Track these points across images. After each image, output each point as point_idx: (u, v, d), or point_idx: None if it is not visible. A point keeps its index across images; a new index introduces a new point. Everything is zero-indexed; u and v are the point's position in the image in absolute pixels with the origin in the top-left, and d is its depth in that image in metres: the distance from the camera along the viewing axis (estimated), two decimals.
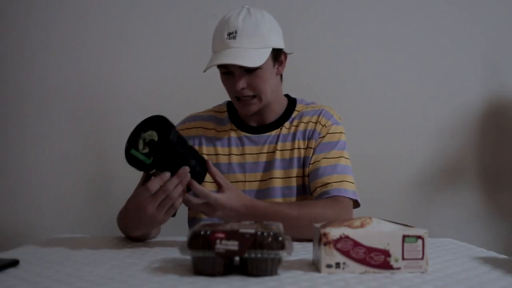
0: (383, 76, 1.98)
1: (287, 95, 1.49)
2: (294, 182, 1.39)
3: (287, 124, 1.43)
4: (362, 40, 1.97)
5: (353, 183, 1.35)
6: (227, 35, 1.29)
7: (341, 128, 1.43)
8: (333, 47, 1.97)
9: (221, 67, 1.33)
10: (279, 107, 1.45)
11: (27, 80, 1.97)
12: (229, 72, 1.33)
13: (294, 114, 1.45)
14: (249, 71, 1.30)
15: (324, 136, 1.40)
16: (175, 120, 1.51)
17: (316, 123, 1.42)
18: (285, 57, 1.39)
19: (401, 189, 1.96)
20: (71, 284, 0.76)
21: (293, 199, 1.38)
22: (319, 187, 1.33)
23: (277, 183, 1.39)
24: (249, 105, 1.35)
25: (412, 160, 1.98)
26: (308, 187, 1.38)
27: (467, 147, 1.99)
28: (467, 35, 1.98)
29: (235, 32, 1.28)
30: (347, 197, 1.31)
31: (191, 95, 1.90)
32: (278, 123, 1.43)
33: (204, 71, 1.30)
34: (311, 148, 1.39)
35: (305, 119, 1.43)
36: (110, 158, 1.95)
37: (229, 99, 1.49)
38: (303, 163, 1.39)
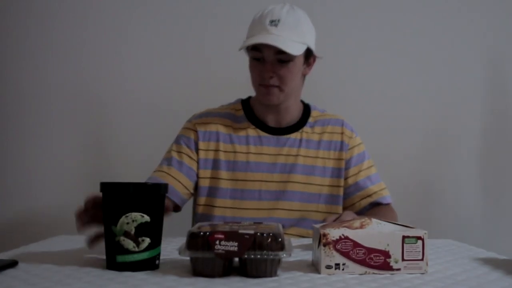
0: (384, 76, 1.97)
1: (301, 100, 1.51)
2: (318, 190, 1.42)
3: (307, 129, 1.45)
4: (362, 40, 1.97)
5: (385, 187, 1.49)
6: (270, 22, 1.31)
7: (360, 138, 1.51)
8: (334, 48, 1.97)
9: (254, 51, 1.34)
10: (297, 109, 1.47)
11: (27, 80, 1.97)
12: (259, 59, 1.34)
13: (311, 119, 1.47)
14: (282, 62, 1.33)
15: (353, 148, 1.46)
16: (182, 117, 1.51)
17: (341, 134, 1.47)
18: (314, 61, 1.43)
19: (401, 190, 1.96)
20: (71, 285, 0.76)
21: (314, 205, 1.42)
22: (364, 198, 1.44)
23: (298, 188, 1.41)
24: (271, 94, 1.36)
25: (412, 161, 1.98)
26: (339, 198, 1.44)
27: (468, 147, 1.99)
28: (469, 35, 1.98)
29: (278, 21, 1.31)
30: (390, 202, 1.48)
31: (191, 95, 1.90)
32: (296, 126, 1.45)
33: (240, 49, 1.33)
34: (342, 159, 1.44)
35: (329, 129, 1.46)
36: (110, 158, 1.95)
37: (241, 97, 1.49)
38: (335, 173, 1.44)
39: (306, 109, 1.49)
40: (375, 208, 1.45)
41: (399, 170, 1.96)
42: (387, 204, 1.47)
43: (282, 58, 1.32)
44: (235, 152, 1.42)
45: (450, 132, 1.98)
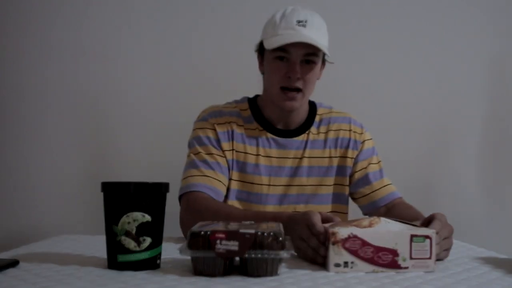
0: (384, 77, 1.97)
1: None
2: (323, 190, 1.39)
3: (313, 129, 1.42)
4: (363, 41, 1.97)
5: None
6: (297, 22, 1.28)
7: (370, 134, 1.47)
8: (334, 48, 1.96)
9: (279, 50, 1.28)
10: (304, 110, 1.43)
11: (26, 80, 1.97)
12: (284, 58, 1.29)
13: (317, 118, 1.44)
14: (307, 62, 1.30)
15: (363, 143, 1.43)
16: (182, 118, 1.49)
17: (349, 131, 1.43)
18: (324, 66, 1.39)
19: (402, 190, 1.94)
20: (71, 284, 0.76)
21: (318, 206, 1.37)
22: (374, 191, 1.40)
23: (305, 190, 1.38)
24: (293, 99, 1.31)
25: (413, 161, 1.97)
26: (344, 196, 1.41)
27: (469, 147, 1.99)
28: (471, 36, 1.98)
29: (306, 22, 1.28)
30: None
31: (191, 95, 1.89)
32: (304, 128, 1.41)
33: (273, 49, 1.27)
34: (348, 157, 1.41)
35: (334, 127, 1.43)
36: (110, 159, 1.95)
37: (247, 96, 1.46)
38: (339, 172, 1.41)
39: (312, 108, 1.45)
40: (399, 204, 1.38)
41: (400, 170, 1.95)
42: (400, 198, 1.42)
43: (310, 59, 1.28)
44: (245, 153, 1.37)
45: (450, 133, 1.98)
